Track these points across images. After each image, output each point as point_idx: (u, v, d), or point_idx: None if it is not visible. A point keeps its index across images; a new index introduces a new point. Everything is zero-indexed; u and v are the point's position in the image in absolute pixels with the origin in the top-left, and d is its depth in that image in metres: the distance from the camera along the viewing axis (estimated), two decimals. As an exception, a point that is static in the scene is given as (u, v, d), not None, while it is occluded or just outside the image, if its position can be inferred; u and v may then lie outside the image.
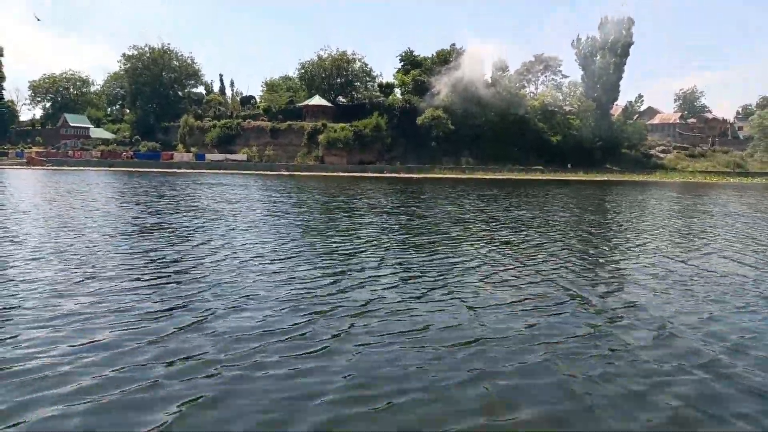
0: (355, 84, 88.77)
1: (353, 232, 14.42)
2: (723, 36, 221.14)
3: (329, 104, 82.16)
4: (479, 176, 65.84)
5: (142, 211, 18.39)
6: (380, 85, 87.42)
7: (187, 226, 14.81)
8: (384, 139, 76.50)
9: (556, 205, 25.69)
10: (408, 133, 76.87)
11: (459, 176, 65.64)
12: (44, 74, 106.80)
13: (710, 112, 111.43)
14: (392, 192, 33.23)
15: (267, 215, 18.09)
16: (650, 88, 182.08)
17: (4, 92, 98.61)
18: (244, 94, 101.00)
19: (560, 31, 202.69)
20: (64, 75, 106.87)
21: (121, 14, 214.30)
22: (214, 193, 28.88)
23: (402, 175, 65.20)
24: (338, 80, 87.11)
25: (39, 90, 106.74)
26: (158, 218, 16.52)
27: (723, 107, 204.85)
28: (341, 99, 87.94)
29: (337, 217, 18.42)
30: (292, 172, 68.34)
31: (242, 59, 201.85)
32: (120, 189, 30.46)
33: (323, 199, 26.27)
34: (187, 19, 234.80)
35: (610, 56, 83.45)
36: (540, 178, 66.65)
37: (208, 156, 77.71)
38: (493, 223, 17.30)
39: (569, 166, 75.47)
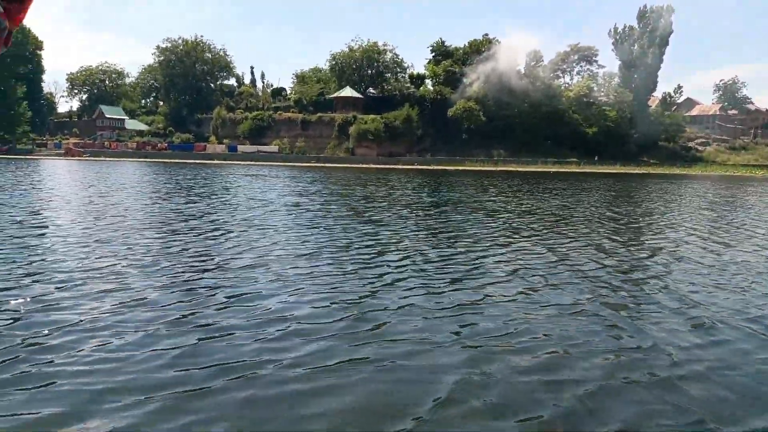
0: (386, 75, 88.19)
1: (476, 237, 11.75)
2: (764, 26, 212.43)
3: (360, 96, 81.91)
4: (513, 168, 64.83)
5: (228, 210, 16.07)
6: (411, 77, 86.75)
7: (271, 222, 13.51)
8: (415, 131, 76.03)
9: (653, 201, 23.82)
10: (438, 125, 76.25)
11: (492, 168, 64.76)
12: (81, 67, 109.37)
13: (752, 103, 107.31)
14: (448, 185, 31.82)
15: (354, 213, 15.95)
16: (688, 78, 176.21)
17: (43, 85, 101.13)
18: (274, 86, 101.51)
19: (597, 20, 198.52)
20: (100, 67, 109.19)
21: (153, 9, 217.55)
22: (273, 185, 27.81)
23: (434, 168, 64.66)
24: (369, 71, 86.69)
25: (76, 82, 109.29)
26: (238, 213, 15.08)
27: (766, 99, 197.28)
28: (371, 90, 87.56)
29: (447, 214, 15.86)
30: (323, 164, 68.47)
31: (273, 51, 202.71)
32: (180, 183, 28.35)
33: (397, 195, 23.05)
34: (218, 12, 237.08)
35: (649, 45, 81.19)
36: (579, 170, 65.08)
37: (240, 148, 78.44)
38: (605, 222, 15.09)
39: (596, 158, 73.73)
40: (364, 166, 64.91)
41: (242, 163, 67.98)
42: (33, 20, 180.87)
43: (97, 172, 37.92)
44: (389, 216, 15.17)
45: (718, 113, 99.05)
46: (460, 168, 64.35)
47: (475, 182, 35.26)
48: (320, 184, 29.89)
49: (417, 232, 12.25)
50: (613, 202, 22.90)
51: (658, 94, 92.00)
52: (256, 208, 16.30)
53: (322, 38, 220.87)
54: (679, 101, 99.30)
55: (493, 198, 22.84)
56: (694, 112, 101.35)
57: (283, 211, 15.77)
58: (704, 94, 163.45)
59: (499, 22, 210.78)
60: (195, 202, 17.77)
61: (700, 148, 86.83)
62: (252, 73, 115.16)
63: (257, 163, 68.32)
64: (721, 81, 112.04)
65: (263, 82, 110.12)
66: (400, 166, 64.93)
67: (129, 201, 17.69)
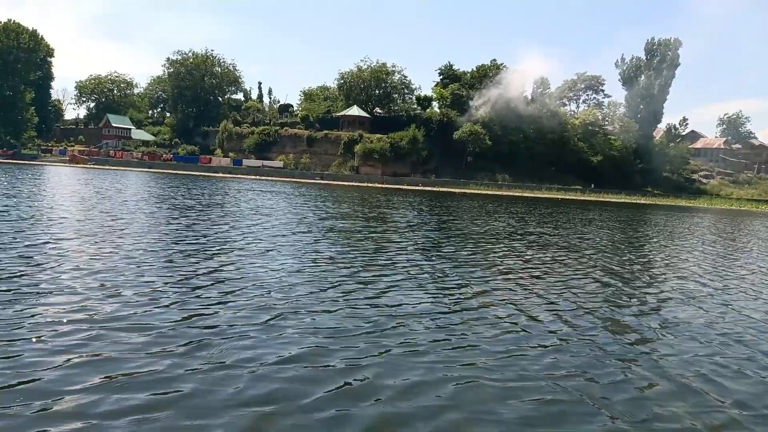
0: (393, 96, 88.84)
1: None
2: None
3: (366, 115, 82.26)
4: (520, 194, 64.67)
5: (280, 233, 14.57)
6: (418, 98, 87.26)
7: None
8: (420, 152, 76.07)
9: (718, 237, 23.25)
10: (443, 147, 76.32)
11: (498, 193, 64.65)
12: (90, 75, 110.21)
13: (756, 138, 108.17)
14: (479, 211, 29.98)
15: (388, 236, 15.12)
16: (691, 111, 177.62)
17: (51, 91, 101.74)
18: (281, 103, 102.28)
19: (604, 50, 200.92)
20: (109, 77, 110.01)
21: (165, 24, 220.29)
22: (300, 205, 25.89)
23: (440, 189, 64.52)
24: (377, 91, 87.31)
25: (85, 90, 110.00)
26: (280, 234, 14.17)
27: None
28: (378, 110, 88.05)
29: (529, 250, 14.22)
30: (328, 181, 68.41)
31: (281, 68, 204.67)
32: (203, 199, 25.73)
33: (438, 221, 21.81)
34: (228, 30, 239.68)
35: (656, 77, 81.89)
36: (590, 199, 64.63)
37: (245, 162, 78.47)
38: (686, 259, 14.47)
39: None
40: (370, 185, 64.79)
41: (247, 177, 67.88)
42: (45, 27, 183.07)
43: (109, 182, 37.55)
44: (461, 250, 13.29)
45: (722, 147, 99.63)
46: (467, 191, 64.15)
47: (500, 209, 34.11)
48: (346, 204, 28.69)
49: (519, 277, 10.23)
50: (677, 236, 21.95)
51: (662, 125, 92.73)
52: (301, 234, 14.48)
53: (331, 57, 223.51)
54: (683, 133, 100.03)
55: (542, 229, 20.88)
56: (698, 144, 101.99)
57: (333, 239, 13.98)
58: (706, 126, 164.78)
59: (508, 50, 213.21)
60: (235, 225, 15.67)
61: (703, 180, 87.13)
62: (259, 88, 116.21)
63: (263, 177, 68.22)
64: (725, 115, 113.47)
65: (270, 98, 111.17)
66: (405, 187, 64.84)
67: (167, 225, 14.79)
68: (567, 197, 63.71)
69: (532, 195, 63.89)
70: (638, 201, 67.17)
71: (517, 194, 63.79)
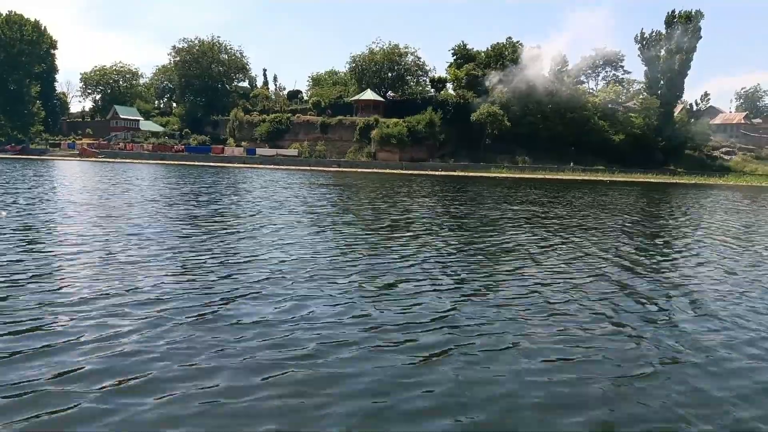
0: (407, 78, 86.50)
1: None
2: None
3: (381, 99, 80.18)
4: (542, 176, 63.07)
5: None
6: (432, 80, 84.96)
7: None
8: (437, 136, 74.23)
9: None
10: (460, 130, 74.42)
11: (520, 176, 63.06)
12: (95, 66, 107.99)
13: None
14: (552, 198, 27.77)
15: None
16: (705, 84, 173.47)
17: (56, 84, 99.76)
18: (288, 89, 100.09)
19: (623, 25, 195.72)
20: (114, 67, 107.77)
21: (168, 10, 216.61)
22: (352, 197, 24.43)
23: (462, 174, 62.95)
24: (389, 74, 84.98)
25: (90, 82, 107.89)
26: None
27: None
28: (391, 94, 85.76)
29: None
30: (346, 168, 66.82)
31: (284, 54, 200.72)
32: (266, 198, 23.01)
33: (535, 214, 19.95)
34: (230, 15, 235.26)
35: (676, 51, 79.34)
36: (618, 179, 62.74)
37: (259, 151, 76.77)
38: None
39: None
40: (391, 171, 63.21)
41: (263, 166, 66.41)
42: (47, 19, 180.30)
43: (132, 177, 36.09)
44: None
45: (742, 122, 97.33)
46: (493, 175, 62.51)
47: (554, 193, 31.68)
48: (403, 196, 26.40)
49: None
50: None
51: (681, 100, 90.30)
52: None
53: (336, 40, 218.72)
54: (704, 109, 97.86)
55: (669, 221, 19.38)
56: (718, 120, 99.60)
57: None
58: (719, 100, 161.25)
59: (524, 26, 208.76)
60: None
61: (725, 157, 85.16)
62: (264, 75, 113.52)
63: (279, 167, 66.72)
64: (742, 89, 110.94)
65: (276, 85, 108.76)
66: (428, 172, 63.22)
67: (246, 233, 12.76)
68: (600, 178, 62.12)
69: (563, 177, 62.23)
70: (671, 180, 65.59)
71: (545, 176, 62.19)
